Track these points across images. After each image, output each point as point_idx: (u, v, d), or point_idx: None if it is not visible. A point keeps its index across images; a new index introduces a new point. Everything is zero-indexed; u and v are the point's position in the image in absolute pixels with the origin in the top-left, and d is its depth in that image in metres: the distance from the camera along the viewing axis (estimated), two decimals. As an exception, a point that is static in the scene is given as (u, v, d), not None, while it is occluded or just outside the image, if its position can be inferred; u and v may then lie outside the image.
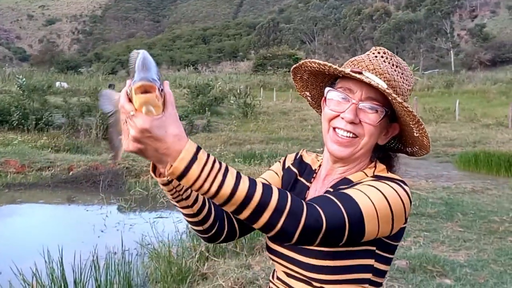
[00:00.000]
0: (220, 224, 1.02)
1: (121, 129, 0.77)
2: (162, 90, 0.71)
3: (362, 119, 0.93)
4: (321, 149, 1.07)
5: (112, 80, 30.39)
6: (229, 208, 0.76)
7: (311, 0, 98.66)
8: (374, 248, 0.91)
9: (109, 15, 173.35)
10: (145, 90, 0.68)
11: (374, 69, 0.94)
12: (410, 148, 1.02)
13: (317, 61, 0.95)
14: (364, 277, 0.91)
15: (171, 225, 4.76)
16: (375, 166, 0.98)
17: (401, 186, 0.90)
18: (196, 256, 3.58)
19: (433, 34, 54.43)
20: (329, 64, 0.93)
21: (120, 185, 7.25)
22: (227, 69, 56.21)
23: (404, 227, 0.94)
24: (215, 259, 3.63)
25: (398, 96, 0.91)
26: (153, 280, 3.52)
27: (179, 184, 0.89)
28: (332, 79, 1.00)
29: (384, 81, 0.93)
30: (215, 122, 16.13)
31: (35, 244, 3.70)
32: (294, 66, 1.01)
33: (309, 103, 1.11)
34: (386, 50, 0.98)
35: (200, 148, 0.74)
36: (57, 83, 22.75)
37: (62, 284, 3.01)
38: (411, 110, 0.90)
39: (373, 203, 0.85)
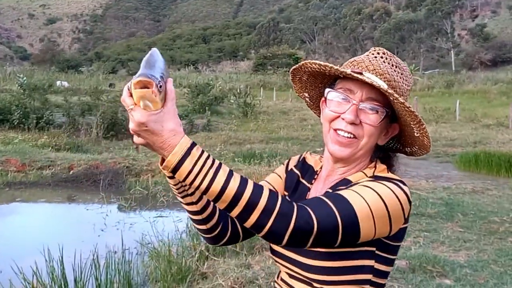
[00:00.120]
0: (224, 225, 1.03)
1: None
2: (161, 86, 0.74)
3: (362, 119, 0.93)
4: (321, 149, 1.08)
5: (112, 79, 30.42)
6: (221, 205, 0.78)
7: (311, 0, 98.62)
8: (373, 248, 0.90)
9: (110, 14, 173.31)
10: (143, 86, 0.72)
11: (375, 69, 0.94)
12: (409, 148, 1.02)
13: (317, 62, 0.95)
14: (365, 278, 0.91)
15: (171, 224, 4.76)
16: (375, 166, 0.98)
17: (398, 186, 0.90)
18: (196, 256, 3.59)
19: (434, 34, 54.35)
20: (330, 65, 0.93)
21: (120, 184, 7.26)
22: (227, 69, 56.23)
23: (405, 228, 0.94)
24: (215, 258, 3.63)
25: (400, 97, 0.91)
26: (153, 279, 3.52)
27: None
28: (332, 79, 1.00)
29: (385, 81, 0.93)
30: (215, 121, 16.13)
31: (35, 243, 3.70)
32: (294, 67, 1.01)
33: (307, 104, 1.11)
34: (385, 51, 0.98)
35: (195, 145, 0.77)
36: (58, 82, 22.78)
37: (63, 283, 3.01)
38: (412, 110, 0.90)
39: (367, 204, 0.85)
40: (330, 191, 0.96)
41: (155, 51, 0.81)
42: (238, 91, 20.36)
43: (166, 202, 6.22)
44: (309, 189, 1.05)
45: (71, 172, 7.56)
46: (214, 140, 12.01)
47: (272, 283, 3.06)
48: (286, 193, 1.09)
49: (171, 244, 3.79)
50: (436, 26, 53.47)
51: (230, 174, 0.78)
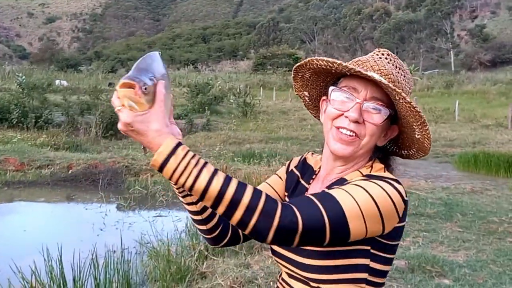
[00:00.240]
0: (224, 226, 1.04)
1: None
2: (146, 88, 0.77)
3: (365, 118, 0.93)
4: (320, 149, 1.07)
5: (111, 79, 30.37)
6: (207, 203, 0.80)
7: (311, 0, 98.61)
8: (368, 247, 0.90)
9: (109, 13, 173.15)
10: (128, 87, 0.77)
11: (379, 69, 0.94)
12: (406, 151, 1.03)
13: (324, 58, 0.95)
14: (360, 277, 0.91)
15: (170, 224, 4.76)
16: (372, 166, 0.98)
17: (391, 184, 0.89)
18: (195, 255, 3.59)
19: (433, 34, 54.41)
20: (338, 62, 0.92)
21: (120, 184, 7.25)
22: (226, 68, 56.24)
23: (401, 227, 0.93)
24: (214, 258, 3.63)
25: (407, 96, 0.91)
26: (152, 278, 3.52)
27: None
28: (335, 78, 1.00)
29: (389, 82, 0.93)
30: (215, 121, 16.13)
31: (34, 242, 3.70)
32: (299, 63, 1.00)
33: (305, 104, 1.11)
34: (389, 52, 0.99)
35: (180, 145, 0.80)
36: (57, 81, 22.74)
37: (61, 283, 3.01)
38: (418, 110, 0.90)
39: (357, 202, 0.84)
40: (326, 190, 0.96)
41: (151, 54, 0.84)
42: (238, 90, 20.37)
43: (165, 202, 6.22)
44: (307, 189, 1.05)
45: (70, 172, 7.56)
46: (214, 140, 12.01)
47: (271, 283, 3.07)
48: (286, 194, 1.10)
49: (170, 244, 3.79)
50: (435, 26, 53.53)
51: (214, 173, 0.79)
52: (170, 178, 0.79)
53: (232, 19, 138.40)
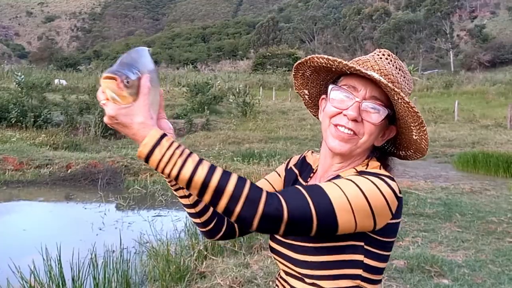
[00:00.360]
0: (219, 220, 1.05)
1: None
2: (128, 82, 0.79)
3: (364, 117, 0.94)
4: (320, 148, 1.07)
5: (111, 78, 30.30)
6: (193, 192, 0.82)
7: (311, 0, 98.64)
8: (361, 243, 0.90)
9: (109, 12, 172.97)
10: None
11: (379, 69, 0.95)
12: (403, 152, 1.03)
13: (325, 56, 0.95)
14: (355, 273, 0.91)
15: (170, 224, 4.76)
16: (367, 164, 0.98)
17: (383, 180, 0.90)
18: (195, 255, 3.58)
19: (433, 34, 54.43)
20: (339, 60, 0.93)
21: (119, 183, 7.25)
22: (226, 68, 56.18)
23: (395, 223, 0.93)
24: (214, 257, 3.63)
25: (405, 96, 0.92)
26: (151, 278, 3.51)
27: None
28: (335, 77, 1.01)
29: (388, 82, 0.93)
30: (214, 121, 16.12)
31: (33, 241, 3.69)
32: (299, 61, 1.00)
33: (305, 102, 1.11)
34: (390, 53, 0.99)
35: (165, 136, 0.82)
36: (56, 81, 22.69)
37: (60, 282, 3.01)
38: (416, 110, 0.90)
39: (346, 195, 0.85)
40: (317, 183, 0.97)
41: (137, 49, 0.87)
42: (237, 90, 20.33)
43: (165, 202, 6.21)
44: None
45: (69, 171, 7.55)
46: (213, 140, 12.01)
47: (270, 283, 3.07)
48: None
49: (169, 243, 3.79)
50: (435, 26, 53.54)
51: (199, 163, 0.81)
52: (156, 169, 0.82)
53: (231, 19, 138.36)
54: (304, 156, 1.13)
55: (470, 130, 14.57)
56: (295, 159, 1.15)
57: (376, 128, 0.95)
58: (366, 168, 0.97)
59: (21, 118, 12.31)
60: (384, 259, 0.95)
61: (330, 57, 0.94)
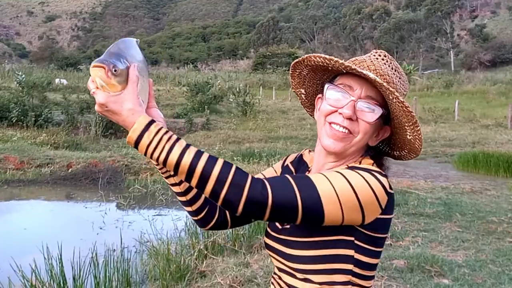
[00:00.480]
0: (210, 208, 1.07)
1: None
2: (115, 70, 0.82)
3: (359, 116, 0.95)
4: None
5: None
6: (181, 177, 0.84)
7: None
8: (352, 238, 0.91)
9: (109, 12, 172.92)
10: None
11: (376, 69, 0.96)
12: (398, 152, 1.04)
13: (322, 55, 0.96)
14: (345, 268, 0.92)
15: (170, 223, 4.76)
16: (360, 162, 0.99)
17: (374, 175, 0.90)
18: (195, 254, 3.59)
19: (433, 34, 54.40)
20: (335, 59, 0.94)
21: (119, 183, 7.26)
22: (226, 68, 56.18)
23: (386, 219, 0.93)
24: (214, 257, 3.64)
25: (400, 96, 0.93)
26: (151, 277, 3.52)
27: None
28: (332, 76, 1.01)
29: (384, 82, 0.94)
30: (214, 120, 16.12)
31: (34, 241, 3.70)
32: (297, 60, 1.02)
33: (301, 102, 1.12)
34: (386, 53, 1.00)
35: (153, 122, 0.84)
36: (57, 80, 22.69)
37: (61, 281, 3.01)
38: (410, 110, 0.91)
39: (333, 187, 0.86)
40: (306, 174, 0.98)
41: (124, 40, 0.91)
42: (238, 90, 20.32)
43: (165, 201, 6.22)
44: None
45: (69, 170, 7.56)
46: (213, 139, 12.01)
47: (270, 282, 3.07)
48: None
49: (170, 243, 3.80)
50: (435, 26, 53.51)
51: (186, 148, 0.83)
52: (145, 154, 0.84)
53: (232, 18, 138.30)
54: (301, 155, 1.14)
55: (470, 129, 14.57)
56: (292, 156, 1.15)
57: (371, 127, 0.96)
58: (358, 165, 0.97)
59: (22, 117, 12.32)
60: (376, 255, 0.95)
61: (326, 56, 0.95)
